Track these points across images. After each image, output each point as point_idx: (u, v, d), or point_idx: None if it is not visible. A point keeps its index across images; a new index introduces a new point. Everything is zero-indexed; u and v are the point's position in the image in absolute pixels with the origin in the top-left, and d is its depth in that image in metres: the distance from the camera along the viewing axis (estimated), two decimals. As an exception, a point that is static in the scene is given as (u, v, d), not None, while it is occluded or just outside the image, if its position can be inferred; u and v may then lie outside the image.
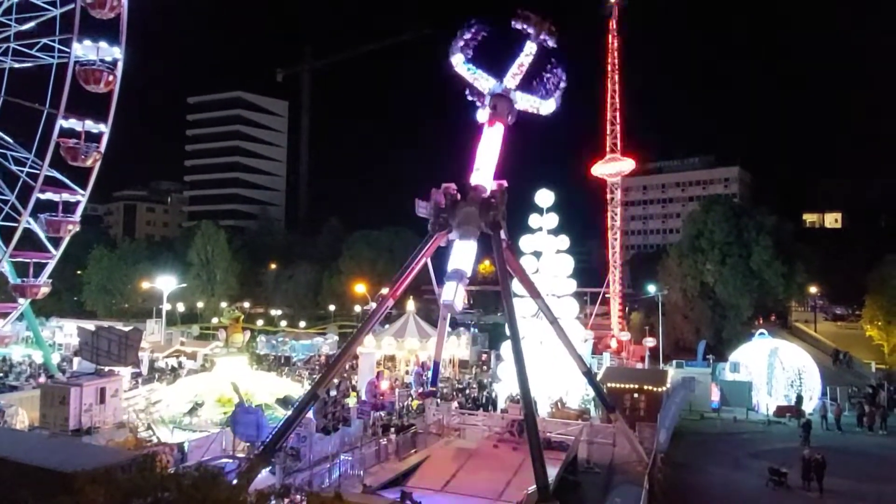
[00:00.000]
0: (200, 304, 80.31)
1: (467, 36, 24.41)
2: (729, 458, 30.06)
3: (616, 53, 61.84)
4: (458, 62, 24.55)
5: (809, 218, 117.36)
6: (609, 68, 61.96)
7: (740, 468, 28.41)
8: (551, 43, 25.16)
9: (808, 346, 53.18)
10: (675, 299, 60.35)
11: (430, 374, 30.22)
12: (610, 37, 62.20)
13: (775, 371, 40.43)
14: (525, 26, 24.75)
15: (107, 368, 33.74)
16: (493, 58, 25.62)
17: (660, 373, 40.31)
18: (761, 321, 60.80)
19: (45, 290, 40.94)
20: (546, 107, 25.32)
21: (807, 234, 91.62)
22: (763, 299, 59.79)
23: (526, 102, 25.09)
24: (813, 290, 70.03)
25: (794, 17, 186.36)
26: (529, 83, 25.33)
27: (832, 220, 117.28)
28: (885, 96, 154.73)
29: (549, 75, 25.07)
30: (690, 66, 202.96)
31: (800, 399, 38.82)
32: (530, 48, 25.10)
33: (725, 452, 31.05)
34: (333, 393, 22.58)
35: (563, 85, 25.25)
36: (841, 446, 31.82)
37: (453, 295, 21.07)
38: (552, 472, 20.14)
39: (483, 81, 24.75)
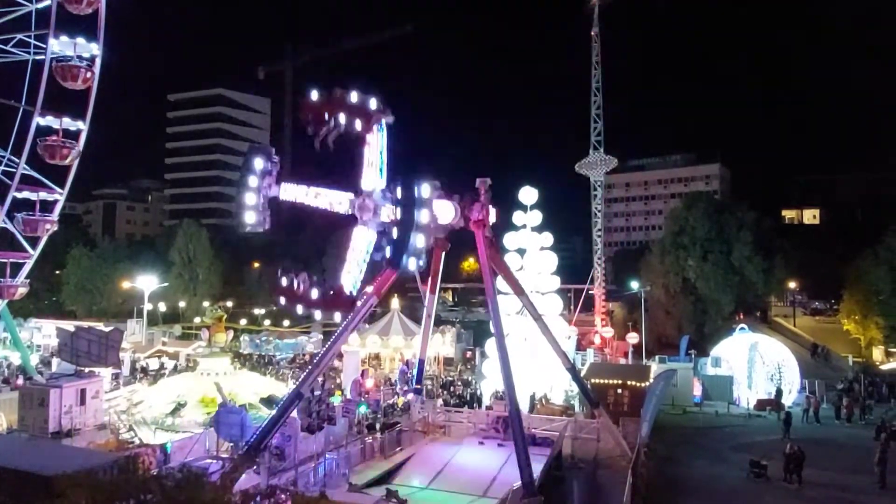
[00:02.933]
0: (182, 304, 79.55)
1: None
2: (711, 451, 30.44)
3: (599, 52, 62.17)
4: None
5: (788, 214, 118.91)
6: (592, 66, 62.29)
7: (722, 461, 28.77)
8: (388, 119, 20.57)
9: (787, 341, 53.95)
10: (657, 295, 60.92)
11: (415, 371, 30.24)
12: (592, 35, 62.53)
13: (755, 365, 40.98)
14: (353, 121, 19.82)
15: (87, 370, 33.27)
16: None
17: (643, 368, 40.69)
18: (742, 316, 61.57)
19: (22, 290, 40.29)
20: None
21: (786, 230, 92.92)
22: (743, 295, 60.63)
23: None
24: (792, 285, 71.13)
25: (773, 16, 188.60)
26: None
27: (811, 216, 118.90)
28: (862, 93, 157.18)
29: None
30: (672, 65, 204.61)
31: (779, 393, 39.38)
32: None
33: (707, 446, 31.44)
34: (318, 392, 22.47)
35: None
36: (820, 438, 32.36)
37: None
38: (537, 468, 20.25)
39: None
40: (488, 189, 23.72)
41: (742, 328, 47.22)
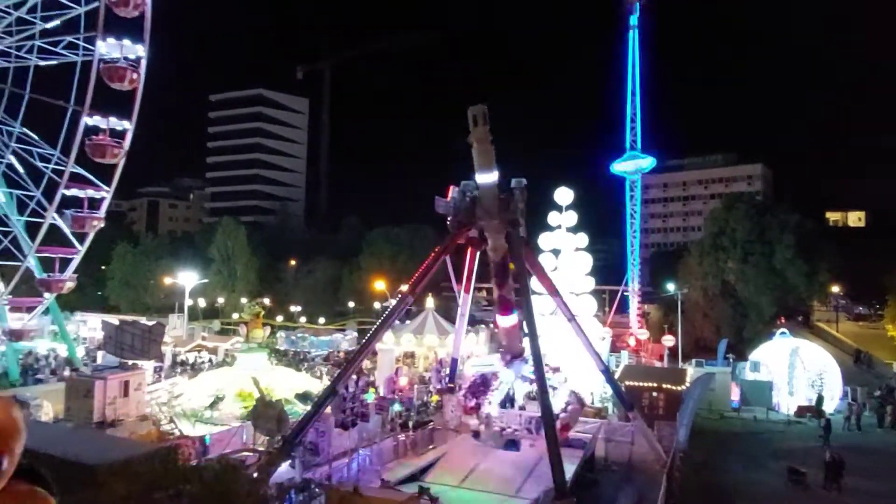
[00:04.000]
0: (221, 300, 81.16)
1: None
2: (748, 457, 29.86)
3: (637, 49, 61.38)
4: None
5: (833, 216, 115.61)
6: (630, 64, 61.51)
7: (759, 468, 28.20)
8: None
9: (829, 346, 52.53)
10: (695, 298, 59.86)
11: (448, 370, 30.33)
12: (631, 32, 61.74)
13: (796, 371, 40.04)
14: None
15: (130, 362, 34.28)
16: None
17: (679, 371, 40.05)
18: (783, 320, 60.09)
19: (70, 284, 41.59)
20: None
21: (830, 233, 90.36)
22: (785, 298, 59.18)
23: None
24: (835, 289, 69.07)
25: (817, 13, 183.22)
26: None
27: (855, 218, 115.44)
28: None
29: None
30: (714, 63, 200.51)
31: (820, 399, 38.38)
32: None
33: (745, 452, 30.86)
34: (352, 389, 22.76)
35: None
36: (862, 446, 31.49)
37: None
38: (570, 470, 20.14)
39: None
40: (524, 190, 23.66)
41: (783, 332, 46.16)
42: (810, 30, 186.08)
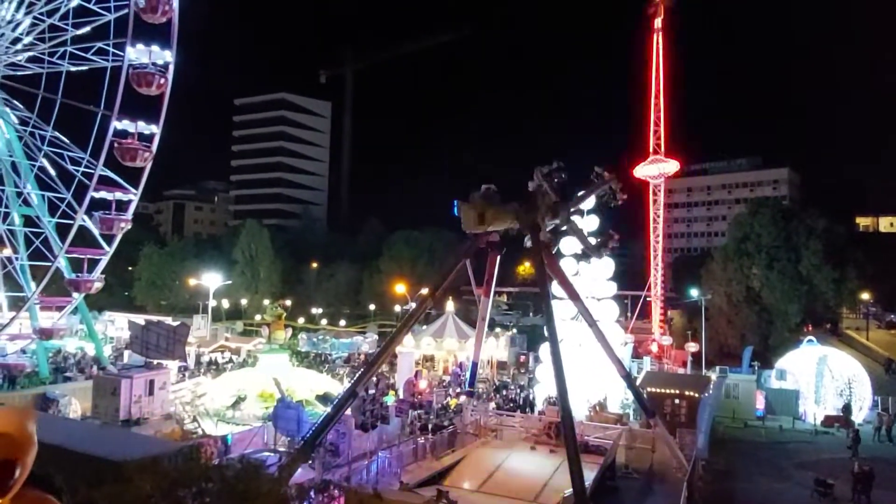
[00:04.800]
0: (244, 301, 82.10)
1: None
2: (772, 467, 29.39)
3: (661, 53, 60.87)
4: None
5: (863, 221, 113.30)
6: (654, 68, 61.01)
7: (784, 478, 27.74)
8: None
9: (858, 355, 51.41)
10: (719, 304, 59.10)
11: (468, 374, 30.35)
12: (655, 36, 61.26)
13: (824, 379, 39.30)
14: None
15: (155, 361, 34.82)
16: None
17: (702, 378, 39.57)
18: (810, 328, 59.05)
19: (98, 285, 42.35)
20: None
21: (860, 238, 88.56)
22: (812, 305, 58.13)
23: None
24: (865, 296, 67.68)
25: (844, 14, 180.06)
26: None
27: (887, 223, 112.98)
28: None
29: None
30: (739, 66, 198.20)
31: (848, 409, 37.64)
32: None
33: (769, 462, 30.37)
34: (372, 391, 22.89)
35: None
36: (892, 457, 30.80)
37: None
38: (589, 476, 20.00)
39: None
40: (544, 194, 23.59)
41: (810, 340, 45.36)
42: (834, 31, 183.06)
